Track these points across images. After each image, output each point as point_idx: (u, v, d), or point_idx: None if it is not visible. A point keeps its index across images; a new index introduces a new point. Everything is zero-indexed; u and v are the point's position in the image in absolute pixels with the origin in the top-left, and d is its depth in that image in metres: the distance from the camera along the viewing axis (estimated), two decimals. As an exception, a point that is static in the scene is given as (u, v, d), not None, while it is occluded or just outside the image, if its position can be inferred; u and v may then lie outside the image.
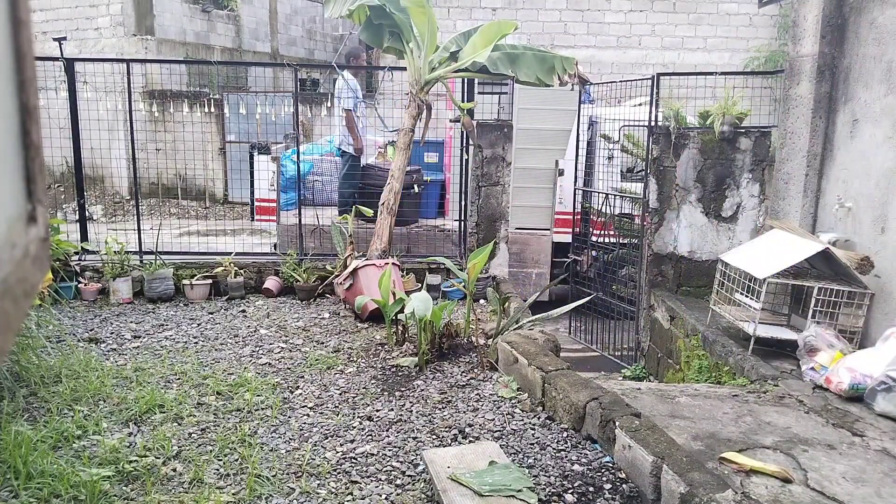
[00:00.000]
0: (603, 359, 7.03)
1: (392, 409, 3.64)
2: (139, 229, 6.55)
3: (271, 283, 6.12)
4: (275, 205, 7.54)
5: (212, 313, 5.55)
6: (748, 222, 6.16)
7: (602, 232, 7.59)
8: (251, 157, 8.35)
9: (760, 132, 6.11)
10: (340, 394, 3.86)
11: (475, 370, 4.26)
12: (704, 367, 4.94)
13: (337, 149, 7.58)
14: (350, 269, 5.56)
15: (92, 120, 7.02)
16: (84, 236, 6.56)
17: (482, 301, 5.90)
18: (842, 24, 4.90)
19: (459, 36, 6.01)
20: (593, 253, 7.74)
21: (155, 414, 3.51)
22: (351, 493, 2.78)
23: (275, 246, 7.52)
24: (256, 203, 8.28)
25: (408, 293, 5.13)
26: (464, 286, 4.98)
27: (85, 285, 5.86)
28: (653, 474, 2.74)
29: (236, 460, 3.04)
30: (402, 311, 4.77)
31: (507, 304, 5.18)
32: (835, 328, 4.35)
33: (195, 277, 6.04)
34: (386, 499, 2.75)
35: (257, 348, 4.68)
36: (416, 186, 6.99)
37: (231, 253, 6.40)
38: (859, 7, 4.74)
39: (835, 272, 4.62)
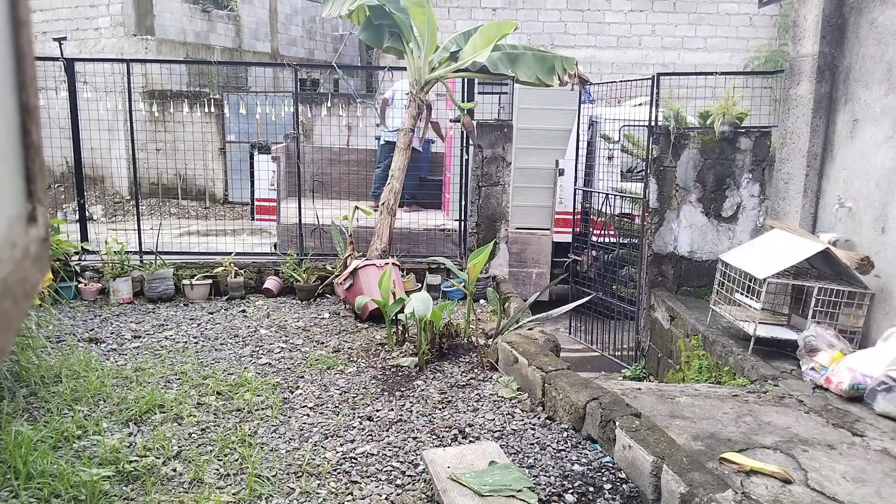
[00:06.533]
0: (603, 359, 7.03)
1: (392, 409, 3.64)
2: (139, 229, 6.55)
3: (271, 283, 6.12)
4: (275, 204, 7.54)
5: (212, 313, 5.55)
6: (748, 222, 6.16)
7: (602, 232, 7.59)
8: (251, 156, 8.36)
9: (760, 132, 6.11)
10: (340, 394, 3.86)
11: (475, 370, 4.26)
12: (704, 367, 4.94)
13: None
14: (350, 269, 5.56)
15: (92, 120, 7.03)
16: (84, 236, 6.56)
17: (482, 301, 5.90)
18: (842, 24, 4.90)
19: (459, 36, 6.01)
20: (593, 253, 7.74)
21: (155, 414, 3.50)
22: (351, 493, 2.78)
23: (275, 246, 7.53)
24: (256, 203, 8.28)
25: (408, 293, 5.13)
26: (464, 286, 4.98)
27: (85, 285, 5.85)
28: (653, 474, 2.74)
29: (236, 460, 3.04)
30: (402, 311, 4.77)
31: (507, 304, 5.18)
32: (835, 328, 4.35)
33: (195, 277, 6.04)
34: (386, 499, 2.75)
35: (257, 348, 4.68)
36: None
37: (231, 253, 6.40)
38: (859, 7, 4.74)
39: (835, 272, 4.62)
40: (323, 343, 4.82)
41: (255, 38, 15.56)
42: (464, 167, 6.75)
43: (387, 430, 3.38)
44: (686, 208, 6.22)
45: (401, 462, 3.05)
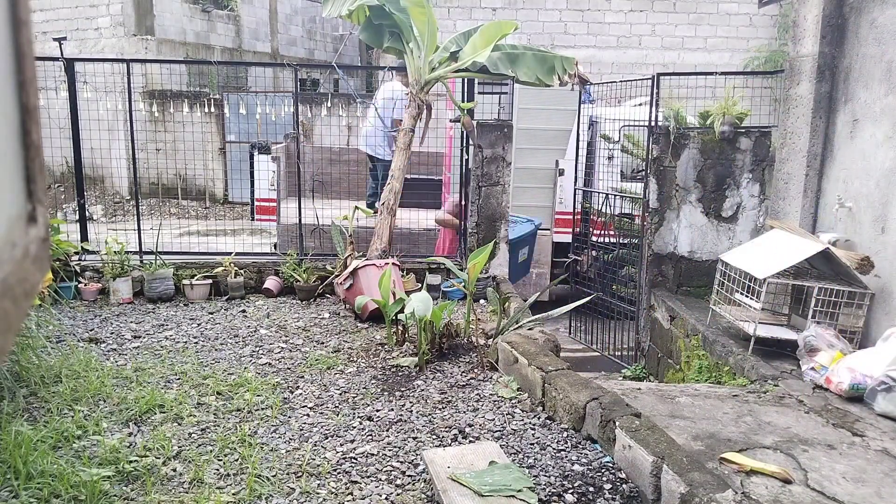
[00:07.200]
0: (603, 359, 7.03)
1: (392, 409, 3.64)
2: (139, 229, 6.55)
3: (271, 283, 6.12)
4: (275, 204, 7.55)
5: (212, 313, 5.55)
6: (748, 222, 6.16)
7: (602, 232, 7.59)
8: (251, 156, 8.36)
9: (760, 132, 6.11)
10: (340, 394, 3.86)
11: (475, 370, 4.26)
12: (704, 367, 4.94)
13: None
14: (350, 269, 5.56)
15: (92, 120, 7.03)
16: (84, 236, 6.56)
17: (482, 301, 5.90)
18: (842, 24, 4.90)
19: (459, 36, 6.01)
20: (593, 253, 7.74)
21: (155, 414, 3.51)
22: (351, 493, 2.78)
23: (275, 246, 7.53)
24: (256, 203, 8.29)
25: (408, 293, 5.13)
26: (464, 286, 4.98)
27: (85, 285, 5.85)
28: (653, 474, 2.74)
29: (236, 460, 3.04)
30: (402, 311, 4.77)
31: (507, 304, 5.19)
32: (835, 328, 4.35)
33: (195, 277, 6.04)
34: (386, 499, 2.75)
35: (257, 348, 4.68)
36: None
37: (231, 253, 6.40)
38: (859, 7, 4.74)
39: (835, 272, 4.62)
40: (323, 343, 4.82)
41: (255, 38, 15.57)
42: (464, 167, 6.75)
43: (387, 430, 3.38)
44: (686, 208, 6.22)
45: (401, 462, 3.05)
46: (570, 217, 7.96)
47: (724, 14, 13.38)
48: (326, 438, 3.30)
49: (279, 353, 4.59)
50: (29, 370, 3.82)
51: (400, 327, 4.75)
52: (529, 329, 4.53)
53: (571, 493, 2.78)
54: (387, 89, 7.55)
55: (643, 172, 6.76)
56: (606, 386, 3.77)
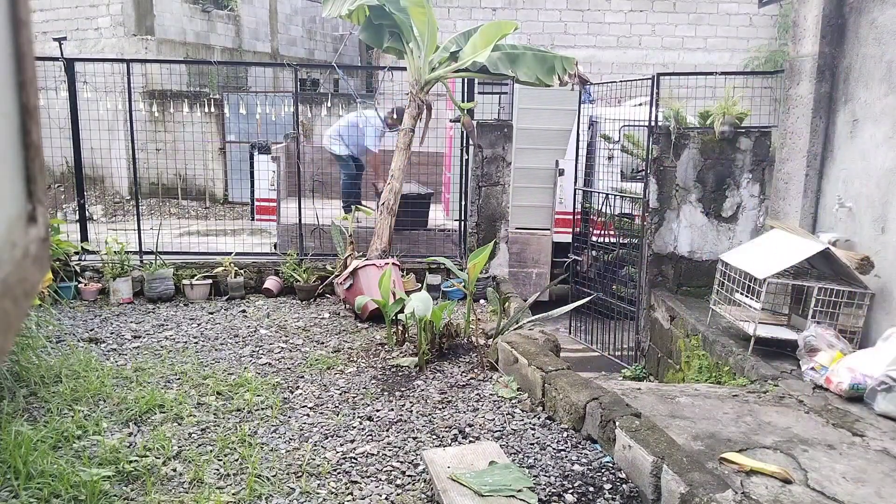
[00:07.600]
0: (603, 359, 7.03)
1: (392, 409, 3.64)
2: (139, 229, 6.55)
3: (271, 283, 6.12)
4: (275, 204, 7.54)
5: (212, 313, 5.55)
6: (748, 222, 6.16)
7: (602, 232, 7.59)
8: (251, 156, 8.36)
9: (760, 132, 6.11)
10: (340, 394, 3.86)
11: (475, 370, 4.26)
12: (704, 367, 4.94)
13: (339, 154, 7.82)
14: (350, 269, 5.56)
15: (92, 120, 7.03)
16: (84, 236, 6.56)
17: (482, 301, 5.90)
18: (842, 24, 4.90)
19: (459, 36, 6.01)
20: (593, 253, 7.74)
21: (155, 414, 3.51)
22: (351, 493, 2.78)
23: (275, 246, 7.53)
24: (256, 203, 8.28)
25: (408, 293, 5.13)
26: (464, 286, 4.98)
27: (85, 285, 5.85)
28: (653, 474, 2.74)
29: (236, 460, 3.04)
30: (402, 311, 4.77)
31: (507, 304, 5.19)
32: (835, 328, 4.35)
33: (195, 277, 6.04)
34: (386, 499, 2.75)
35: (257, 348, 4.68)
36: None
37: (231, 253, 6.40)
38: (859, 7, 4.74)
39: (835, 272, 4.62)
40: (323, 343, 4.82)
41: (255, 38, 15.56)
42: (464, 167, 6.75)
43: (387, 430, 3.38)
44: (686, 208, 6.22)
45: (401, 462, 3.05)
46: (570, 217, 7.96)
47: (724, 14, 13.37)
48: (326, 438, 3.30)
49: (279, 353, 4.59)
50: (29, 370, 3.82)
51: (400, 327, 4.75)
52: (529, 329, 4.53)
53: (571, 493, 2.78)
54: (353, 117, 7.65)
55: (643, 172, 6.75)
56: (606, 386, 3.77)
